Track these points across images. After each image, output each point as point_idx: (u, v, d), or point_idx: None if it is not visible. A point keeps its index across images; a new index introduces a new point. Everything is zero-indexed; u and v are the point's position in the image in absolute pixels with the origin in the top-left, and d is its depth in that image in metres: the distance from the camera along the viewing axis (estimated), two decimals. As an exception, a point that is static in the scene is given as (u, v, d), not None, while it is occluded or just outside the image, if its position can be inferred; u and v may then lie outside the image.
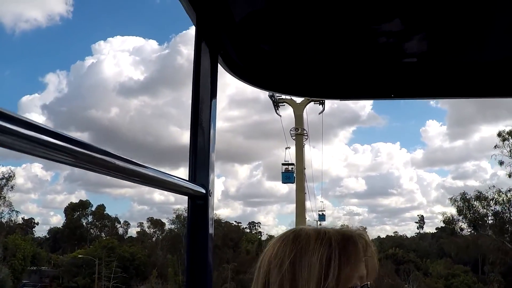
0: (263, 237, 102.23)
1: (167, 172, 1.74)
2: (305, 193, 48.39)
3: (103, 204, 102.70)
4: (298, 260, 1.59)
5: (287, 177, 50.50)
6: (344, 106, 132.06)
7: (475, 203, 62.41)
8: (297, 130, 46.45)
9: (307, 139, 47.81)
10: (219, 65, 2.49)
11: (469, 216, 61.14)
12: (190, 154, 2.19)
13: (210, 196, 2.13)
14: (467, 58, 2.94)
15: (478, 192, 62.89)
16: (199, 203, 2.11)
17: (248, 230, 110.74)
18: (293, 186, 50.63)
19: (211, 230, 2.13)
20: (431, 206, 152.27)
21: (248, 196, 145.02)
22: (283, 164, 51.49)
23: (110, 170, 1.32)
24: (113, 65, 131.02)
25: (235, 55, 2.67)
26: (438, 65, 2.94)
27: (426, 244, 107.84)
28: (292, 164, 49.89)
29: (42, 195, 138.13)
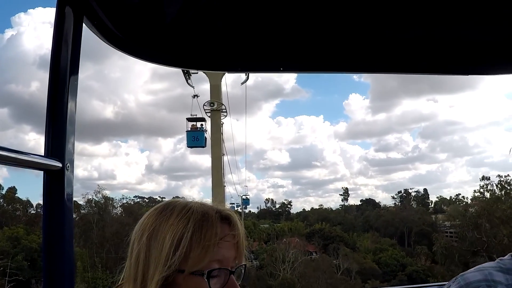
0: None
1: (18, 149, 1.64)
2: (223, 154, 39.24)
3: (14, 186, 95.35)
4: (155, 234, 1.56)
5: (194, 138, 41.11)
6: (268, 79, 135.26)
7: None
8: (212, 105, 37.43)
9: (226, 116, 39.76)
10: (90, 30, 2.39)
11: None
12: (46, 126, 2.07)
13: (68, 170, 2.04)
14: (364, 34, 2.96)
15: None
16: (55, 179, 2.01)
17: None
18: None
19: (69, 208, 2.04)
20: (354, 178, 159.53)
21: (173, 170, 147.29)
22: (188, 120, 41.93)
23: None
24: (34, 38, 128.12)
25: (106, 18, 2.52)
26: (328, 40, 2.96)
27: (352, 217, 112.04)
28: (202, 119, 40.85)
29: None
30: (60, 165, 2.00)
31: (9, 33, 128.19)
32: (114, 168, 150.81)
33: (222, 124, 38.91)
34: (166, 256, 1.51)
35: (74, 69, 2.19)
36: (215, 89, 38.29)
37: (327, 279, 58.68)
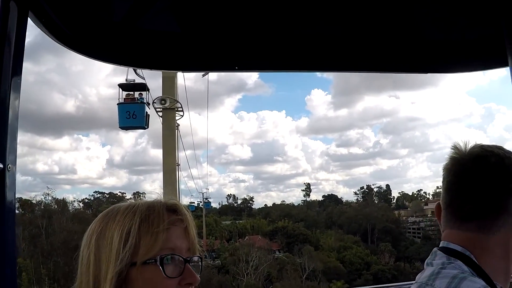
0: None
1: None
2: (178, 164, 31.77)
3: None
4: (102, 234, 1.56)
5: (129, 115, 30.36)
6: (230, 74, 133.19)
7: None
8: (163, 102, 29.72)
9: (182, 116, 31.71)
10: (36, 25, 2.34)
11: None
12: None
13: (9, 171, 2.00)
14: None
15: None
16: (-6, 180, 1.97)
17: (133, 201, 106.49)
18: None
19: (10, 210, 1.99)
20: (315, 173, 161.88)
21: (134, 164, 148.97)
22: (121, 87, 32.39)
23: None
24: None
25: (53, 14, 2.47)
26: (283, 37, 2.98)
27: (314, 213, 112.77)
28: (143, 86, 31.49)
29: None
30: (1, 165, 1.96)
31: None
32: (75, 163, 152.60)
33: (177, 126, 31.24)
34: (117, 252, 1.50)
35: (17, 67, 2.15)
36: (169, 82, 30.86)
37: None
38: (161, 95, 30.77)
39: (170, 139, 30.74)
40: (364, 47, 3.06)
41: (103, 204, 76.76)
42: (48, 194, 68.92)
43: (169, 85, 30.90)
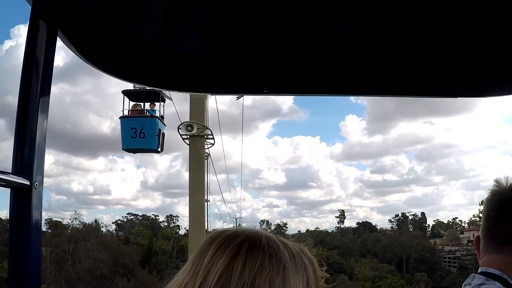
0: (182, 231, 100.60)
1: None
2: (208, 200, 24.21)
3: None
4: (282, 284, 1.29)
5: (136, 133, 23.71)
6: (265, 99, 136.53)
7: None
8: (189, 128, 22.58)
9: (213, 144, 24.62)
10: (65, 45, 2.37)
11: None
12: (14, 143, 2.04)
13: (36, 188, 2.00)
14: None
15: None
16: (22, 197, 1.97)
17: (166, 224, 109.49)
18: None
19: (37, 228, 1.99)
20: (349, 199, 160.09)
21: (168, 187, 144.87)
22: (126, 94, 25.98)
23: None
24: None
25: (82, 33, 2.50)
26: (314, 62, 2.96)
27: (348, 240, 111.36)
28: (155, 96, 25.67)
29: None
30: (28, 183, 1.96)
31: (7, 44, 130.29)
32: (109, 183, 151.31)
33: (207, 156, 24.55)
34: None
35: (46, 86, 2.16)
36: (198, 105, 24.07)
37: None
38: (188, 119, 23.84)
39: (197, 172, 24.02)
40: (400, 70, 3.00)
41: (135, 226, 76.68)
42: (75, 218, 69.18)
43: (198, 108, 23.84)
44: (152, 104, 26.02)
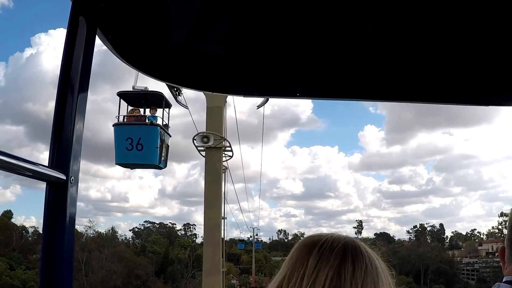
0: (199, 239, 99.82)
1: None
2: (224, 217, 23.60)
3: (10, 210, 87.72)
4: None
5: (131, 144, 20.41)
6: (284, 108, 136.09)
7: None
8: (205, 140, 20.46)
9: (231, 157, 22.83)
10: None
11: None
12: (52, 138, 2.04)
13: (72, 183, 1.99)
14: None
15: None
16: (58, 191, 1.96)
17: (182, 232, 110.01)
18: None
19: (71, 221, 1.98)
20: (367, 210, 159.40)
21: (185, 195, 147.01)
22: (121, 96, 23.12)
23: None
24: (53, 58, 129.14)
25: (120, 31, 2.52)
26: (347, 66, 2.94)
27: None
28: (158, 98, 22.60)
29: None
30: (64, 177, 1.96)
31: (28, 52, 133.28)
32: (127, 191, 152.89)
33: (224, 169, 22.47)
34: None
35: (85, 80, 2.17)
36: (214, 114, 21.69)
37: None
38: (204, 130, 21.58)
39: (214, 186, 21.91)
40: (424, 78, 2.96)
41: (152, 234, 76.46)
42: (90, 227, 69.26)
43: (215, 118, 21.69)
44: (153, 110, 22.77)
